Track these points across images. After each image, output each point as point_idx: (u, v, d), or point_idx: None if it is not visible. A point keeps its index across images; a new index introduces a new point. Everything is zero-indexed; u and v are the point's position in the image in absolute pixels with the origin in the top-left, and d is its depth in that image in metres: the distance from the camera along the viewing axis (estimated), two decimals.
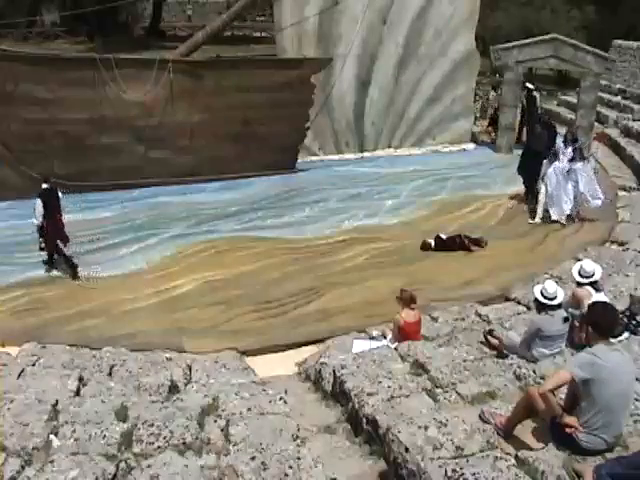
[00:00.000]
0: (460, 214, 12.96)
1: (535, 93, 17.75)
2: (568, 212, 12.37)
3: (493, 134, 18.19)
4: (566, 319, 6.55)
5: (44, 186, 9.73)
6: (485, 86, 20.79)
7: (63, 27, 32.83)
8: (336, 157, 16.36)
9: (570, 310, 6.86)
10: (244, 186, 14.04)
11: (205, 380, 6.37)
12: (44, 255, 10.12)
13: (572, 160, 12.28)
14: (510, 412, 4.88)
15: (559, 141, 12.88)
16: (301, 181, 14.67)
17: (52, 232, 9.65)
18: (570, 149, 12.41)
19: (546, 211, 12.58)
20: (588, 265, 7.30)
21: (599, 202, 12.41)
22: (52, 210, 9.58)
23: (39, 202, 9.58)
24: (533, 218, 12.65)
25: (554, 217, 12.44)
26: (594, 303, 5.48)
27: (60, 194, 9.86)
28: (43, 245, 9.83)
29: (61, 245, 9.86)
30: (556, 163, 12.36)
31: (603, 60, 16.51)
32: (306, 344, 8.33)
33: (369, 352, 6.57)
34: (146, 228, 11.76)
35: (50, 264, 9.98)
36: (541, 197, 12.61)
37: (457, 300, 9.30)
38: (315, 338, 8.43)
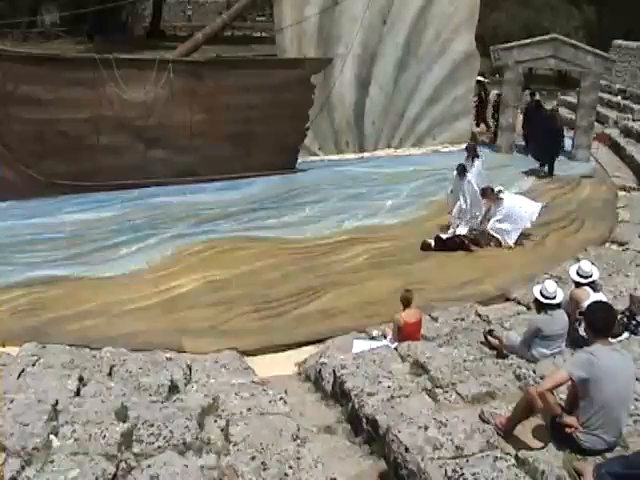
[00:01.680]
0: None
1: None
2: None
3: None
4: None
5: None
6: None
7: (63, 27, 32.81)
8: (336, 157, 16.34)
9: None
10: (244, 186, 14.01)
11: (205, 380, 6.35)
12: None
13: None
14: (510, 412, 4.88)
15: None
16: (301, 181, 14.64)
17: None
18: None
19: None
20: (586, 265, 7.31)
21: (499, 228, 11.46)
22: None
23: None
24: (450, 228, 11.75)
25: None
26: (592, 303, 5.50)
27: None
28: None
29: None
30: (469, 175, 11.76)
31: (603, 60, 16.49)
32: (306, 344, 8.32)
33: (369, 352, 6.57)
34: (146, 228, 11.73)
35: None
36: (454, 211, 11.81)
37: (457, 300, 9.30)
38: (315, 338, 8.43)
